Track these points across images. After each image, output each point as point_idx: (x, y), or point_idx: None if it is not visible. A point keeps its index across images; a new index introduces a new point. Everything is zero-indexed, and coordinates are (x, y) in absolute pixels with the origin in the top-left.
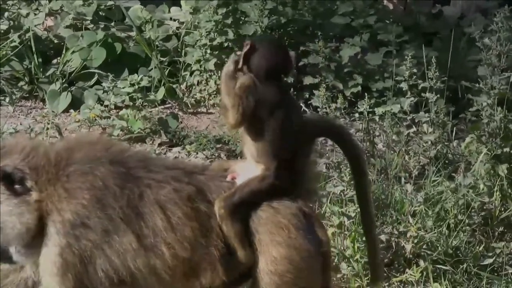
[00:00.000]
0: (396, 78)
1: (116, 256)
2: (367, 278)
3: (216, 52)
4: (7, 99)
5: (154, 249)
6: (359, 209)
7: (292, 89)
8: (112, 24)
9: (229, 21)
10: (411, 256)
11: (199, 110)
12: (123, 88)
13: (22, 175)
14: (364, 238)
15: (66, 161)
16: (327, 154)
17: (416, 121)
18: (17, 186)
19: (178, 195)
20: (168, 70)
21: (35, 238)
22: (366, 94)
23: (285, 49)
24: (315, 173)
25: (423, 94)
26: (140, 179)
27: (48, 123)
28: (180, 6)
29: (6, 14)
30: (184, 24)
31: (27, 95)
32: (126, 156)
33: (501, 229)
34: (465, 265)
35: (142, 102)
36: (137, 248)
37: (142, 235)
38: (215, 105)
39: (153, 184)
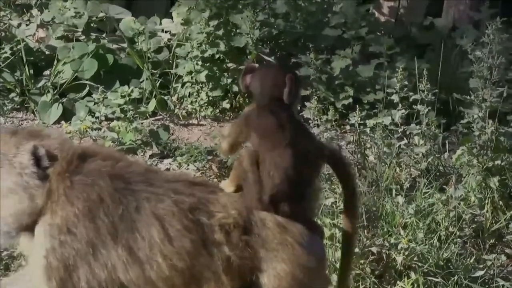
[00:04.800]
0: (387, 90)
1: (101, 269)
2: None
3: (208, 64)
4: None
5: (149, 261)
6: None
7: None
8: (104, 35)
9: (220, 33)
10: (402, 268)
11: (190, 122)
12: (114, 99)
13: (49, 165)
14: (356, 250)
15: (76, 168)
16: None
17: (407, 133)
18: (40, 171)
19: (179, 207)
20: (159, 81)
21: (27, 227)
22: (357, 106)
23: (281, 71)
24: (318, 192)
25: (414, 106)
26: (139, 193)
27: None
28: (172, 18)
29: None
30: (176, 36)
31: (18, 106)
32: (129, 171)
33: (492, 241)
34: (456, 277)
35: (133, 114)
36: (130, 261)
37: (137, 248)
38: (206, 117)
39: (152, 197)
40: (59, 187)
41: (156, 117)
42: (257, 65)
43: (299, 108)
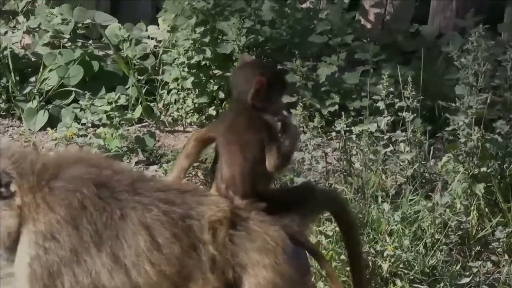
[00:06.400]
0: (373, 97)
1: (84, 276)
2: None
3: (194, 71)
4: None
5: (136, 267)
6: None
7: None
8: (90, 42)
9: (206, 39)
10: (388, 275)
11: (176, 128)
12: (100, 106)
13: (9, 179)
14: (342, 257)
15: (53, 174)
16: (304, 173)
17: (393, 140)
18: (2, 189)
19: (168, 217)
20: (145, 88)
21: (15, 243)
22: (343, 113)
23: (255, 72)
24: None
25: (400, 113)
26: (125, 202)
27: (25, 141)
28: (158, 25)
29: None
30: (162, 43)
31: (4, 113)
32: (114, 180)
33: (478, 248)
34: (442, 284)
35: (119, 121)
36: (115, 268)
37: (123, 255)
38: (192, 124)
39: (138, 207)
40: (35, 196)
41: (142, 124)
42: (250, 58)
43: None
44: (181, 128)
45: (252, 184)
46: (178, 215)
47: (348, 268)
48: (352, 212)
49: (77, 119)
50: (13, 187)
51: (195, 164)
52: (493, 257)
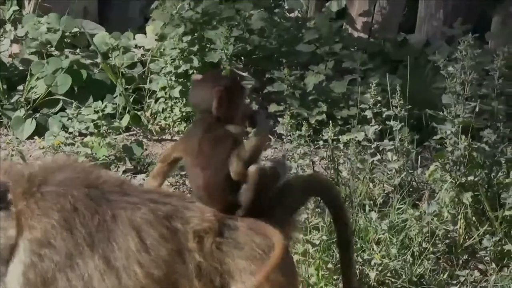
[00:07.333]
0: (361, 106)
1: (77, 280)
2: None
3: (181, 80)
4: None
5: (126, 270)
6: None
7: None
8: (78, 50)
9: (194, 48)
10: (375, 284)
11: (163, 137)
12: (87, 115)
13: (5, 189)
14: (329, 266)
15: (43, 180)
16: None
17: (381, 149)
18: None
19: (155, 215)
20: (133, 97)
21: (12, 255)
22: (330, 121)
23: (212, 84)
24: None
25: (387, 122)
26: (115, 202)
27: (13, 150)
28: (145, 33)
29: None
30: (150, 51)
31: None
32: (103, 182)
33: (465, 257)
34: None
35: (107, 129)
36: (106, 271)
37: (114, 257)
38: (180, 132)
39: (128, 207)
40: (28, 202)
41: (130, 133)
42: (200, 76)
43: (272, 123)
44: (168, 137)
45: (228, 196)
46: (163, 213)
47: (336, 275)
48: (338, 191)
49: (64, 128)
50: (8, 197)
51: (182, 172)
52: (481, 266)
